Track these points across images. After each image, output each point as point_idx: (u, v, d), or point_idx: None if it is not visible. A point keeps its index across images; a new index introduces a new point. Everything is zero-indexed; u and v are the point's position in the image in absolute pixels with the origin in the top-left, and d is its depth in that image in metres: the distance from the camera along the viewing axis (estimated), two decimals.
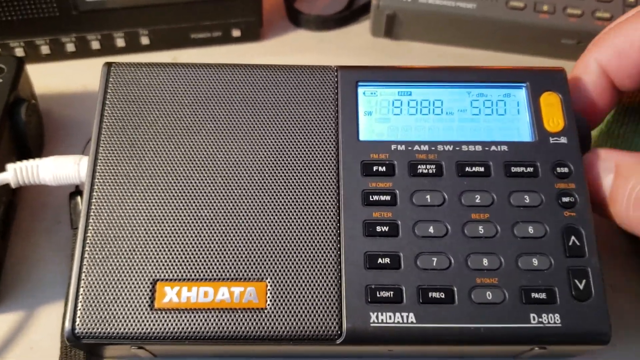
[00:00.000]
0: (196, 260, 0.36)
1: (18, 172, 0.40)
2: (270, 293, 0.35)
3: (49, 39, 0.56)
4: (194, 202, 0.37)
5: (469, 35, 0.60)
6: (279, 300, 0.35)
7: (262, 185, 0.38)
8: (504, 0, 0.57)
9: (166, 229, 0.36)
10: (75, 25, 0.55)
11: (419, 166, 0.38)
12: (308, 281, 0.35)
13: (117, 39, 0.57)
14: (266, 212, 0.37)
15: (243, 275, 0.35)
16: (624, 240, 0.47)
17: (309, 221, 0.37)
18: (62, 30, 0.56)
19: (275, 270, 0.36)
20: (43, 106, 0.53)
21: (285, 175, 0.38)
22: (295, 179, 0.38)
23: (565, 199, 0.38)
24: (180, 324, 0.34)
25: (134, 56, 0.59)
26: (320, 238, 0.36)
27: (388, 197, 0.38)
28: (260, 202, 0.37)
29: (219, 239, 0.36)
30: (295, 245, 0.36)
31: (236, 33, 0.60)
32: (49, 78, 0.56)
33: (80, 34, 0.56)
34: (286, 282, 0.35)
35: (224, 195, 0.37)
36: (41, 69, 0.56)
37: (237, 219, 0.37)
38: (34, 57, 0.56)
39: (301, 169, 0.38)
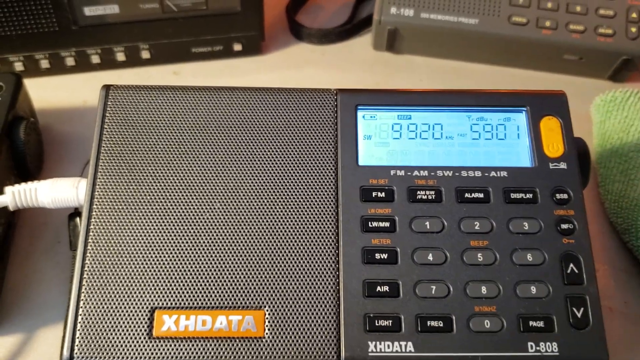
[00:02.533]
0: (194, 288, 0.36)
1: (16, 195, 0.40)
2: (269, 322, 0.35)
3: (49, 54, 0.56)
4: (193, 229, 0.37)
5: (471, 50, 0.60)
6: (277, 329, 0.35)
7: (261, 212, 0.38)
8: (507, 16, 0.56)
9: (165, 256, 0.36)
10: (75, 40, 0.56)
11: (419, 192, 0.38)
12: (306, 309, 0.35)
13: (118, 53, 0.57)
14: (265, 239, 0.37)
15: (241, 303, 0.35)
16: (626, 258, 0.47)
17: (308, 248, 0.37)
18: (62, 44, 0.56)
19: (274, 298, 0.36)
20: (42, 122, 0.53)
21: (283, 201, 0.38)
22: (294, 204, 0.38)
23: (564, 226, 0.38)
24: (178, 353, 0.34)
25: (135, 70, 0.59)
26: (319, 265, 0.36)
27: (387, 224, 0.37)
28: (258, 228, 0.37)
29: (217, 266, 0.36)
30: (293, 273, 0.36)
31: (237, 47, 0.60)
32: (49, 92, 0.56)
33: (80, 48, 0.56)
34: (284, 310, 0.35)
35: (222, 222, 0.37)
36: (41, 83, 0.56)
37: (235, 245, 0.37)
38: (34, 71, 0.56)
39: (300, 195, 0.38)
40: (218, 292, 0.36)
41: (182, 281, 0.36)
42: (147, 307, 0.35)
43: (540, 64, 0.60)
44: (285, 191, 0.38)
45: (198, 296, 0.35)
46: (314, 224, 0.37)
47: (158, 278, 0.36)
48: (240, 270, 0.36)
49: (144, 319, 0.35)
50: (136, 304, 0.35)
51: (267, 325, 0.35)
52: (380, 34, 0.59)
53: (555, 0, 0.56)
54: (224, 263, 0.36)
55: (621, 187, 0.48)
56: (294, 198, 0.38)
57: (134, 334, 0.35)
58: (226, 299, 0.35)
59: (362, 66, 0.61)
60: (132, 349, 0.34)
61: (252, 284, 0.36)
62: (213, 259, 0.36)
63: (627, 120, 0.51)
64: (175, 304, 0.35)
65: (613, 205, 0.48)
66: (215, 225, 0.37)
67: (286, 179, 0.39)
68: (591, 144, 0.53)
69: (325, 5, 0.66)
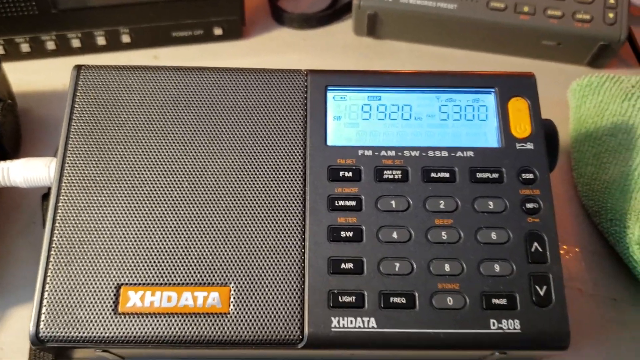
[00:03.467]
0: (160, 265, 0.36)
1: None
2: (234, 298, 0.36)
3: (29, 37, 0.56)
4: (160, 207, 0.37)
5: (450, 35, 0.60)
6: (242, 305, 0.35)
7: (228, 190, 0.38)
8: (485, 1, 0.57)
9: (131, 233, 0.37)
10: (55, 24, 0.56)
11: (385, 172, 0.39)
12: (271, 286, 0.36)
13: (98, 37, 0.58)
14: (232, 216, 0.37)
15: (207, 280, 0.36)
16: (597, 241, 0.48)
17: (275, 226, 0.37)
18: (42, 28, 0.56)
19: (239, 275, 0.36)
20: (22, 105, 0.53)
21: (251, 180, 0.38)
22: (261, 183, 0.38)
23: (530, 205, 0.38)
24: (144, 328, 0.35)
25: (115, 54, 0.59)
26: (285, 243, 0.37)
27: (353, 203, 0.38)
28: (226, 206, 0.37)
29: (183, 244, 0.37)
30: (260, 250, 0.37)
31: (218, 31, 0.60)
32: (29, 76, 0.56)
33: (60, 32, 0.56)
34: (250, 286, 0.36)
35: (189, 200, 0.38)
36: (21, 67, 0.56)
37: (202, 223, 0.37)
38: (14, 55, 0.57)
39: (268, 174, 0.38)
40: (184, 268, 0.36)
41: (148, 258, 0.36)
42: (113, 284, 0.35)
43: (520, 49, 0.60)
44: (254, 170, 0.39)
45: (164, 273, 0.36)
46: (282, 203, 0.38)
47: (124, 255, 0.36)
48: (207, 247, 0.36)
49: (110, 295, 0.35)
50: (102, 280, 0.36)
51: (232, 301, 0.35)
52: (360, 18, 0.60)
53: None
54: (190, 240, 0.37)
55: (593, 170, 0.48)
56: (262, 177, 0.38)
57: (100, 310, 0.35)
58: (192, 276, 0.36)
59: (343, 51, 0.61)
60: (99, 325, 0.35)
61: (218, 261, 0.36)
62: (179, 236, 0.37)
63: (601, 105, 0.51)
64: (141, 280, 0.36)
65: (585, 188, 0.48)
66: (182, 203, 0.37)
67: (255, 158, 0.39)
68: (568, 129, 0.54)
69: None
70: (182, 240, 0.37)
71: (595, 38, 0.56)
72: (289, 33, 0.63)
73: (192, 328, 0.35)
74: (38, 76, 0.57)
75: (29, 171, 0.41)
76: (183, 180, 0.38)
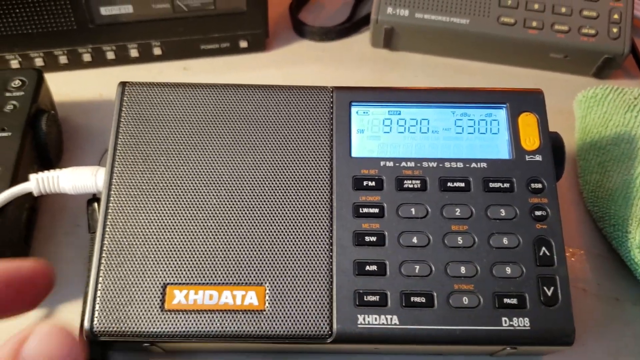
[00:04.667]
0: (202, 266, 0.40)
1: (40, 182, 0.44)
2: (269, 296, 0.39)
3: (67, 50, 0.60)
4: (201, 213, 0.41)
5: (463, 48, 0.63)
6: (277, 303, 0.39)
7: (263, 198, 0.41)
8: (496, 17, 0.60)
9: (176, 238, 0.40)
10: (91, 37, 0.59)
11: (405, 181, 0.42)
12: (303, 286, 0.39)
13: (131, 49, 0.61)
14: (266, 222, 0.41)
15: (244, 280, 0.39)
16: (601, 244, 0.51)
17: (305, 231, 0.41)
18: (80, 42, 0.59)
19: (274, 276, 0.40)
20: (61, 114, 0.57)
21: (283, 189, 0.42)
22: (292, 192, 0.42)
23: (538, 213, 0.41)
24: (188, 324, 0.38)
25: (147, 65, 0.62)
26: (314, 247, 0.40)
27: (376, 210, 0.41)
28: (260, 213, 0.41)
29: (223, 247, 0.40)
30: (291, 253, 0.40)
31: (243, 44, 0.63)
32: (67, 86, 0.60)
33: (96, 45, 0.60)
34: (283, 286, 0.39)
35: (227, 207, 0.41)
36: (59, 78, 0.60)
37: (239, 228, 0.41)
38: (53, 66, 0.60)
39: (298, 183, 0.42)
40: (224, 270, 0.40)
41: (191, 260, 0.40)
42: (159, 283, 0.39)
43: (529, 62, 0.63)
44: (285, 180, 0.42)
45: (206, 273, 0.39)
46: (311, 210, 0.41)
47: (170, 257, 0.40)
48: (244, 250, 0.40)
49: (157, 293, 0.39)
50: (150, 280, 0.39)
51: (267, 300, 0.39)
52: (377, 32, 0.63)
53: (541, 1, 0.60)
54: (229, 244, 0.40)
55: (598, 178, 0.51)
56: (293, 186, 0.42)
57: (147, 307, 0.39)
58: (231, 276, 0.39)
59: (360, 62, 0.65)
60: (146, 321, 0.38)
61: (255, 263, 0.40)
62: (219, 241, 0.40)
63: (606, 116, 0.54)
64: (185, 280, 0.39)
65: (590, 195, 0.52)
66: (222, 210, 0.41)
67: (286, 168, 0.42)
68: (574, 138, 0.57)
69: (327, 4, 0.70)
70: (221, 244, 0.40)
71: (600, 52, 0.60)
72: (310, 45, 0.66)
73: (232, 324, 0.38)
74: (75, 86, 0.60)
75: (77, 179, 0.44)
76: (221, 190, 0.42)
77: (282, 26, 0.67)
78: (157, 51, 0.62)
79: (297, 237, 0.41)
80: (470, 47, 0.63)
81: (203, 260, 0.40)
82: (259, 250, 0.40)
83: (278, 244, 0.40)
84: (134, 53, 0.61)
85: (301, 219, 0.41)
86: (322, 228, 0.41)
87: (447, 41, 0.62)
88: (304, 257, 0.40)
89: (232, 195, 0.42)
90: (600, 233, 0.51)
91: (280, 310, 0.39)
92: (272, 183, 0.42)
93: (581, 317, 0.46)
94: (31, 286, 0.36)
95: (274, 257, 0.40)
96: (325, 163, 0.43)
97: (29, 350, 0.31)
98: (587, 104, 0.56)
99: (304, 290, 0.39)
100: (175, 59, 0.63)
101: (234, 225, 0.41)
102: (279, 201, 0.41)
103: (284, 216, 0.41)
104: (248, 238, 0.40)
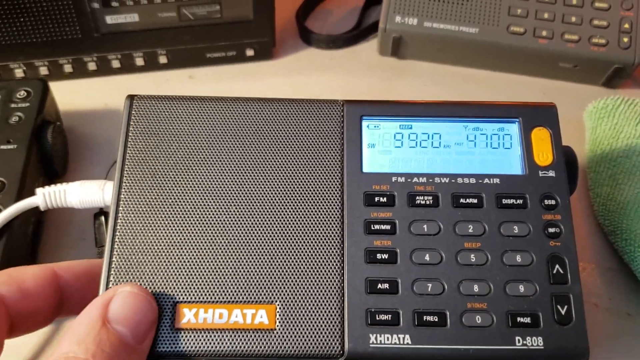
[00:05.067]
0: (212, 284, 0.39)
1: (47, 196, 0.44)
2: (280, 315, 0.39)
3: (72, 59, 0.59)
4: (210, 230, 0.40)
5: (471, 56, 0.63)
6: (287, 322, 0.38)
7: (273, 214, 0.41)
8: (505, 26, 0.59)
9: (185, 255, 0.40)
10: (96, 46, 0.59)
11: (418, 197, 0.42)
12: (314, 304, 0.39)
13: (137, 58, 0.61)
14: (276, 240, 0.40)
15: (254, 298, 0.39)
16: (612, 258, 0.50)
17: (316, 248, 0.40)
18: (85, 50, 0.59)
19: (284, 294, 0.39)
20: (66, 123, 0.56)
21: (293, 205, 0.41)
22: (302, 208, 0.41)
23: (551, 230, 0.41)
24: (197, 343, 0.38)
25: (153, 74, 0.62)
26: (325, 264, 0.40)
27: (388, 227, 0.41)
28: (271, 230, 0.40)
29: (233, 265, 0.40)
30: (302, 271, 0.40)
31: (250, 52, 0.63)
32: (72, 95, 0.59)
33: (101, 54, 0.60)
34: (294, 305, 0.39)
35: (237, 224, 0.41)
36: (64, 87, 0.59)
37: (249, 246, 0.40)
38: (57, 75, 0.60)
39: (308, 199, 0.41)
40: (234, 288, 0.39)
41: (201, 278, 0.39)
42: (169, 301, 0.39)
43: (538, 71, 0.63)
44: (295, 195, 0.42)
45: (215, 292, 0.39)
46: (322, 227, 0.41)
47: (179, 274, 0.39)
48: (254, 268, 0.40)
49: (166, 311, 0.38)
50: (159, 298, 0.39)
51: (278, 318, 0.38)
52: (385, 40, 0.62)
53: (551, 10, 0.59)
54: (239, 262, 0.40)
55: (609, 191, 0.51)
56: (303, 202, 0.41)
57: (157, 325, 0.38)
58: (241, 295, 0.39)
59: (368, 71, 0.64)
60: (157, 339, 0.38)
61: (265, 281, 0.39)
62: (229, 258, 0.40)
63: (616, 127, 0.54)
64: (195, 298, 0.39)
65: (601, 208, 0.51)
66: (231, 227, 0.41)
67: (296, 184, 0.42)
68: (584, 150, 0.57)
69: (334, 12, 0.69)
70: (231, 262, 0.40)
71: (611, 61, 0.59)
72: (317, 53, 0.66)
73: (242, 343, 0.38)
74: (80, 95, 0.60)
75: (84, 194, 0.44)
76: (231, 206, 0.41)
77: (289, 34, 0.67)
78: (162, 60, 0.61)
79: (308, 255, 0.40)
80: (479, 56, 0.62)
81: (213, 277, 0.39)
82: (270, 268, 0.40)
83: (288, 262, 0.40)
84: (139, 62, 0.61)
85: (312, 236, 0.40)
86: (333, 245, 0.40)
87: (456, 50, 0.62)
88: (315, 274, 0.40)
89: (241, 211, 0.41)
90: (612, 247, 0.51)
91: (291, 329, 0.38)
92: (282, 199, 0.41)
93: (593, 332, 0.45)
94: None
95: (285, 275, 0.39)
96: (336, 178, 0.42)
97: (114, 313, 0.34)
98: (597, 115, 0.56)
99: (315, 308, 0.39)
100: (181, 68, 0.63)
101: (244, 242, 0.40)
102: (289, 218, 0.41)
103: (295, 233, 0.41)
104: (258, 255, 0.40)
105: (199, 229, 0.40)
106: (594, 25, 0.59)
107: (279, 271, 0.40)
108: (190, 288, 0.39)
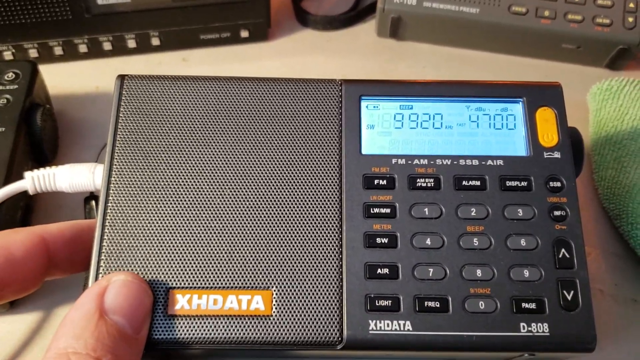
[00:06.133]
0: (206, 270, 0.38)
1: (35, 180, 0.42)
2: (276, 301, 0.37)
3: (62, 41, 0.58)
4: (204, 213, 0.39)
5: (472, 37, 0.61)
6: (284, 308, 0.37)
7: (268, 197, 0.40)
8: (507, 6, 0.58)
9: (178, 239, 0.38)
10: (87, 28, 0.57)
11: (418, 180, 0.40)
12: (311, 290, 0.38)
13: (129, 40, 0.59)
14: (273, 223, 0.39)
15: (250, 283, 0.38)
16: (617, 243, 0.49)
17: (313, 232, 0.39)
18: (75, 32, 0.57)
19: (281, 279, 0.38)
20: (56, 107, 0.55)
21: (290, 188, 0.40)
22: (299, 191, 0.40)
23: (557, 213, 0.39)
24: (191, 330, 0.36)
25: (145, 56, 0.61)
26: (323, 249, 0.38)
27: (388, 210, 0.39)
28: (267, 213, 0.39)
29: (228, 249, 0.38)
30: (299, 256, 0.38)
31: (244, 34, 0.61)
32: (62, 78, 0.58)
33: (92, 35, 0.58)
34: (291, 290, 0.38)
35: (232, 207, 0.39)
36: (54, 70, 0.58)
37: (245, 229, 0.39)
38: (47, 58, 0.58)
39: (306, 181, 0.40)
40: (228, 273, 0.38)
41: (195, 263, 0.38)
42: (162, 287, 0.37)
43: (540, 52, 0.61)
44: (292, 178, 0.40)
45: (210, 277, 0.38)
46: (319, 210, 0.39)
47: (172, 260, 0.38)
48: (250, 252, 0.38)
49: (158, 298, 0.37)
50: (151, 284, 0.37)
51: (274, 304, 0.37)
52: (383, 21, 0.61)
53: None
54: (234, 246, 0.38)
55: (614, 174, 0.50)
56: (300, 185, 0.40)
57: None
58: (236, 280, 0.38)
59: (365, 53, 0.63)
60: (149, 326, 0.36)
61: (261, 266, 0.38)
62: (224, 242, 0.38)
63: (621, 109, 0.53)
64: (189, 284, 0.37)
65: (606, 192, 0.50)
66: (226, 210, 0.39)
67: (292, 166, 0.40)
68: (587, 132, 0.55)
69: None
70: (226, 246, 0.38)
71: (615, 42, 0.58)
72: (313, 34, 0.64)
73: (237, 330, 0.37)
74: (70, 78, 0.58)
75: (74, 177, 0.42)
76: (225, 189, 0.40)
77: (285, 15, 0.65)
78: (155, 41, 0.60)
79: (305, 239, 0.39)
80: (479, 37, 0.61)
81: (207, 262, 0.38)
82: (265, 253, 0.38)
83: (285, 246, 0.38)
84: (131, 44, 0.59)
85: (309, 220, 0.39)
86: (331, 229, 0.39)
87: (456, 31, 0.60)
88: (313, 259, 0.38)
89: (236, 194, 0.40)
90: (617, 231, 0.50)
91: (288, 315, 0.37)
92: (278, 181, 0.40)
93: (598, 319, 0.44)
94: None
95: (281, 259, 0.38)
96: (334, 160, 0.41)
97: (110, 303, 0.33)
98: (601, 97, 0.55)
99: (313, 294, 0.38)
100: (174, 50, 0.61)
101: (238, 226, 0.39)
102: (286, 201, 0.40)
103: (291, 217, 0.39)
104: (253, 240, 0.39)
105: (192, 212, 0.39)
106: (598, 4, 0.58)
107: (275, 256, 0.38)
108: (183, 273, 0.38)
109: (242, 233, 0.39)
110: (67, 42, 0.58)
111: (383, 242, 0.39)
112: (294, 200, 0.40)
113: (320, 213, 0.39)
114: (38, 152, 0.49)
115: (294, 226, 0.39)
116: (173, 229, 0.39)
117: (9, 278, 0.36)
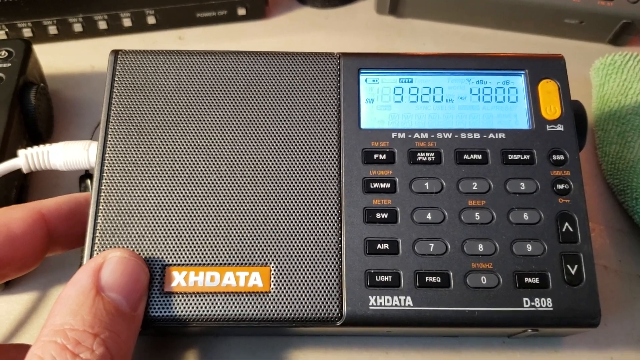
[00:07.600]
0: (203, 246, 0.37)
1: (29, 158, 0.42)
2: (274, 277, 0.37)
3: (57, 20, 0.57)
4: (201, 189, 0.38)
5: (474, 14, 0.60)
6: (283, 284, 0.36)
7: (266, 173, 0.39)
8: None
9: (174, 215, 0.38)
10: (82, 6, 0.56)
11: (419, 154, 0.39)
12: (310, 266, 0.37)
13: (124, 18, 0.58)
14: (271, 199, 0.38)
15: (248, 260, 0.37)
16: (621, 218, 0.48)
17: (312, 208, 0.38)
18: (70, 11, 0.56)
19: (279, 256, 0.37)
20: (51, 87, 0.54)
21: (288, 163, 0.39)
22: (298, 166, 0.39)
23: (560, 186, 0.39)
24: (188, 307, 0.36)
25: (141, 35, 0.59)
26: (322, 224, 0.38)
27: (388, 185, 0.39)
28: (265, 189, 0.38)
29: (225, 225, 0.38)
30: (298, 231, 0.38)
31: (241, 11, 0.60)
32: (57, 58, 0.57)
33: (87, 14, 0.57)
34: (289, 266, 0.37)
35: (229, 182, 0.38)
36: (49, 49, 0.57)
37: (242, 205, 0.38)
38: (42, 37, 0.57)
39: (304, 157, 0.39)
40: (226, 249, 0.37)
41: (191, 239, 0.37)
42: (158, 264, 0.37)
43: (542, 28, 0.60)
44: (290, 153, 0.39)
45: (206, 254, 0.37)
46: (318, 185, 0.39)
47: (168, 236, 0.37)
48: (247, 228, 0.38)
49: (155, 275, 0.36)
50: (147, 261, 0.37)
51: (272, 281, 0.37)
52: None
53: None
54: (231, 222, 0.38)
55: (618, 149, 0.49)
56: (298, 160, 0.39)
57: None
58: (233, 256, 0.37)
59: (365, 30, 0.62)
60: (146, 303, 0.36)
61: (259, 242, 0.37)
62: (221, 218, 0.38)
63: (625, 84, 0.52)
64: (185, 261, 0.37)
65: (610, 167, 0.49)
66: (223, 185, 0.38)
67: (291, 141, 0.40)
68: (590, 107, 0.54)
69: None
70: (222, 222, 0.38)
71: (618, 16, 0.57)
72: (311, 12, 0.63)
73: (235, 307, 0.36)
74: (65, 58, 0.57)
75: (68, 154, 0.42)
76: (222, 164, 0.39)
77: None
78: (151, 20, 0.59)
79: (304, 214, 0.38)
80: (480, 12, 0.59)
81: (203, 239, 0.37)
82: (263, 229, 0.38)
83: (283, 222, 0.38)
84: (127, 22, 0.58)
85: (308, 195, 0.38)
86: (330, 204, 0.38)
87: (457, 7, 0.59)
88: (312, 235, 0.38)
89: (233, 169, 0.39)
90: (621, 207, 0.49)
91: (287, 291, 0.36)
92: (276, 157, 0.39)
93: (602, 295, 0.43)
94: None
95: (279, 235, 0.37)
96: (332, 135, 0.40)
97: (107, 280, 0.32)
98: (605, 72, 0.54)
99: (312, 270, 0.37)
100: (170, 28, 0.60)
101: (236, 202, 0.38)
102: (284, 176, 0.39)
103: (290, 192, 0.38)
104: (251, 215, 0.38)
105: (188, 188, 0.38)
106: None
107: (273, 232, 0.38)
108: (179, 250, 0.37)
109: (239, 209, 0.38)
110: (62, 21, 0.57)
111: (383, 217, 0.38)
112: (291, 175, 0.39)
113: (319, 188, 0.39)
114: (33, 131, 0.48)
115: (292, 202, 0.38)
116: (169, 205, 0.38)
117: (10, 256, 0.36)
